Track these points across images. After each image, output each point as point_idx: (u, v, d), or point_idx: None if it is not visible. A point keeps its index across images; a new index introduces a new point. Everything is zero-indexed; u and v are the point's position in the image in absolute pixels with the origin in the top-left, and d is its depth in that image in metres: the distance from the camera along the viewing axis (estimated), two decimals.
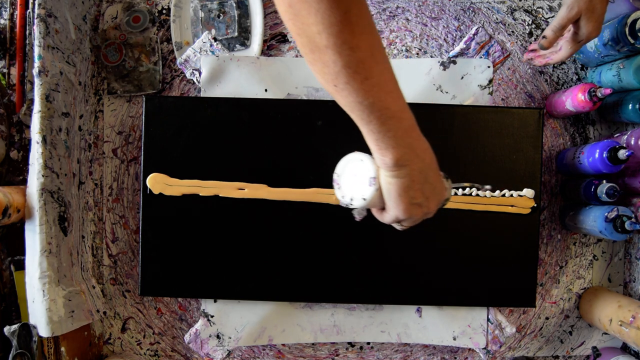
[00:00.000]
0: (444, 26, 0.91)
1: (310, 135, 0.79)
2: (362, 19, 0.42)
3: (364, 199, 0.55)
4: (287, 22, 0.43)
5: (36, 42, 0.76)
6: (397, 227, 0.58)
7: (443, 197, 0.56)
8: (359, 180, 0.55)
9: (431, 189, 0.53)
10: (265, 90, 0.84)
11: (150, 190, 0.78)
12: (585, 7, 0.65)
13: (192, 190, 0.78)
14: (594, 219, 0.79)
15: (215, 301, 0.82)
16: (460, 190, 0.77)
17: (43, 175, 0.77)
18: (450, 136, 0.78)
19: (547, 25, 0.91)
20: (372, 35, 0.44)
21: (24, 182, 0.82)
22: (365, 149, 0.52)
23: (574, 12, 0.66)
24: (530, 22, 0.91)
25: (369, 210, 0.60)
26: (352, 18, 0.41)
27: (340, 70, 0.43)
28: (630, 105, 0.79)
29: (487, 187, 0.73)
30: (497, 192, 0.78)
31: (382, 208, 0.56)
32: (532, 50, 0.82)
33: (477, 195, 0.78)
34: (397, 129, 0.48)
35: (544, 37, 0.71)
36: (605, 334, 0.91)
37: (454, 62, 0.83)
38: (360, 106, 0.46)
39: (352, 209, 0.59)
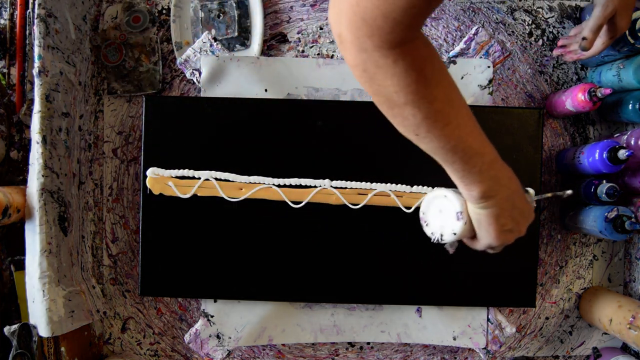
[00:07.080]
0: (444, 26, 0.91)
1: (310, 135, 0.79)
2: (436, 72, 0.43)
3: (454, 234, 0.57)
4: (363, 84, 0.44)
5: (36, 42, 0.76)
6: (490, 251, 0.59)
7: (531, 217, 0.57)
8: (447, 216, 0.58)
9: (519, 213, 0.55)
10: (265, 90, 0.84)
11: (150, 190, 0.78)
12: (620, 4, 0.66)
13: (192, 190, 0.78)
14: (594, 219, 0.79)
15: (215, 301, 0.82)
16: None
17: (43, 175, 0.77)
18: None
19: (546, 25, 0.91)
20: (447, 83, 0.45)
21: (24, 182, 0.82)
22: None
23: (609, 10, 0.66)
24: (530, 22, 0.91)
25: (460, 241, 0.61)
26: (427, 74, 0.42)
27: (421, 122, 0.44)
28: (630, 105, 0.79)
29: (568, 192, 0.68)
30: None
31: (473, 236, 0.58)
32: (562, 47, 0.83)
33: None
34: (481, 164, 0.49)
35: (584, 38, 0.71)
36: (605, 334, 0.91)
37: (454, 62, 0.83)
38: (442, 150, 0.47)
39: (443, 244, 0.61)
